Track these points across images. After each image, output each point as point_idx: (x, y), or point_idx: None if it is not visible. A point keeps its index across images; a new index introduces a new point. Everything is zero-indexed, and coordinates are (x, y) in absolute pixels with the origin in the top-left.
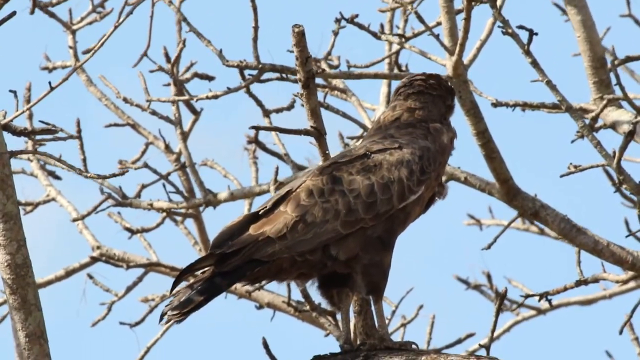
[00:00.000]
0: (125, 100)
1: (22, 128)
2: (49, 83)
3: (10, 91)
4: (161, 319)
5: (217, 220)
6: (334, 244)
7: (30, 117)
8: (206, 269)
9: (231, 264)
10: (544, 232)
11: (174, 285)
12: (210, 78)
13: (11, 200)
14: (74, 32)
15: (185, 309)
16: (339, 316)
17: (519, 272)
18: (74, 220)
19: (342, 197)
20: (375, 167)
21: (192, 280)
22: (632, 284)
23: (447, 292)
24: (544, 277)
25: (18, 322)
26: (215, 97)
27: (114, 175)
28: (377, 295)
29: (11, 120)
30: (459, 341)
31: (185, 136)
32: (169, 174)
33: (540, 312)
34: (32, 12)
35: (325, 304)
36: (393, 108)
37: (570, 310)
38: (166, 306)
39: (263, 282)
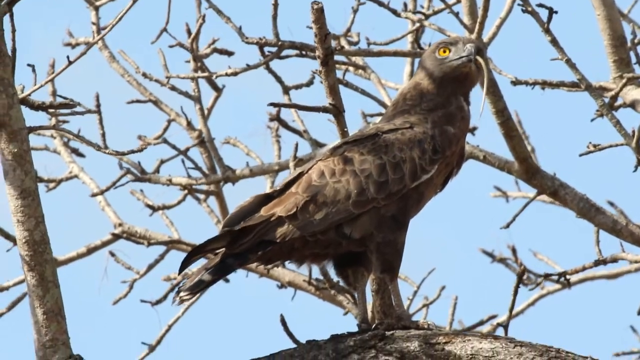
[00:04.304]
0: (144, 75)
1: (39, 102)
2: (67, 57)
3: (28, 65)
4: (174, 300)
5: (240, 198)
6: (347, 223)
7: (54, 94)
8: (219, 250)
9: (243, 245)
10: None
11: (183, 264)
12: (229, 53)
13: (29, 176)
14: (97, 8)
15: (195, 290)
16: (356, 295)
17: (544, 245)
18: (93, 195)
19: (354, 177)
20: (386, 146)
21: (205, 262)
22: None
23: (472, 268)
24: (570, 250)
25: (36, 299)
26: (235, 74)
27: (132, 151)
28: (392, 274)
29: (29, 95)
30: (481, 322)
31: (205, 113)
32: (187, 149)
33: (564, 286)
34: None
35: (342, 283)
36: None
37: (596, 284)
38: (179, 287)
39: (277, 262)
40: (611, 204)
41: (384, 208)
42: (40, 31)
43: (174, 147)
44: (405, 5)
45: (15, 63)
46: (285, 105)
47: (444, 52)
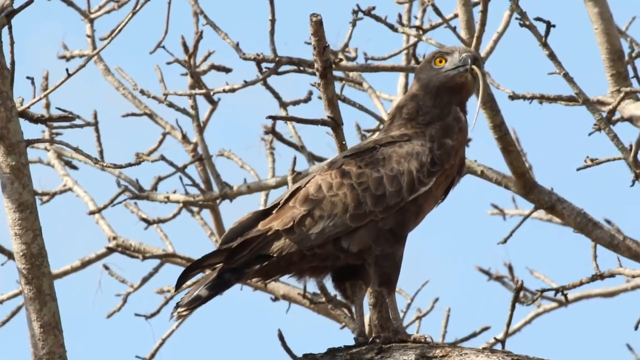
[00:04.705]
0: (142, 92)
1: (38, 115)
2: (66, 70)
3: (28, 78)
4: (171, 316)
5: (234, 212)
6: (345, 237)
7: (48, 106)
8: (217, 265)
9: (240, 260)
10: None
11: (180, 281)
12: (227, 70)
13: (27, 189)
14: (92, 21)
15: (193, 305)
16: (353, 308)
17: (541, 263)
18: (90, 213)
19: (351, 190)
20: (384, 159)
21: (202, 276)
22: None
23: (468, 284)
24: (566, 268)
25: (33, 312)
26: (232, 90)
27: (130, 164)
28: (390, 287)
29: (28, 108)
30: (474, 334)
31: (201, 128)
32: (185, 166)
33: (561, 304)
34: None
35: (340, 296)
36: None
37: (592, 302)
38: (177, 303)
39: (275, 277)
40: (608, 222)
41: (382, 221)
42: (32, 43)
43: (171, 164)
44: (400, 17)
45: (14, 76)
46: (284, 118)
47: (440, 62)
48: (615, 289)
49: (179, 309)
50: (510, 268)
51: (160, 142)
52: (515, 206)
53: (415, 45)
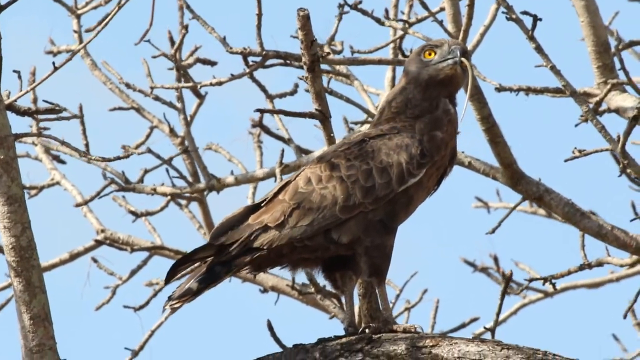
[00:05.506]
0: (128, 85)
1: (25, 108)
2: (53, 63)
3: (14, 71)
4: (163, 309)
5: (222, 204)
6: (335, 228)
7: (35, 101)
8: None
9: (230, 253)
10: (551, 215)
11: (169, 274)
12: (212, 63)
13: (16, 182)
14: (78, 17)
15: (184, 299)
16: (343, 299)
17: (526, 255)
18: (77, 205)
19: (340, 183)
20: (373, 152)
21: (193, 269)
22: (639, 267)
23: (454, 275)
24: (551, 260)
25: (22, 304)
26: (219, 83)
27: (118, 158)
28: (380, 277)
29: (15, 100)
30: (463, 325)
31: (188, 122)
32: (171, 158)
33: (547, 295)
34: None
35: (329, 287)
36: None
37: (577, 293)
38: (168, 296)
39: (266, 269)
40: (593, 214)
41: (372, 212)
42: (17, 38)
43: (158, 156)
44: (386, 12)
45: (1, 70)
46: (272, 112)
47: (430, 54)
48: (600, 280)
49: (171, 302)
50: (495, 259)
51: (148, 136)
52: (500, 199)
53: (401, 38)
